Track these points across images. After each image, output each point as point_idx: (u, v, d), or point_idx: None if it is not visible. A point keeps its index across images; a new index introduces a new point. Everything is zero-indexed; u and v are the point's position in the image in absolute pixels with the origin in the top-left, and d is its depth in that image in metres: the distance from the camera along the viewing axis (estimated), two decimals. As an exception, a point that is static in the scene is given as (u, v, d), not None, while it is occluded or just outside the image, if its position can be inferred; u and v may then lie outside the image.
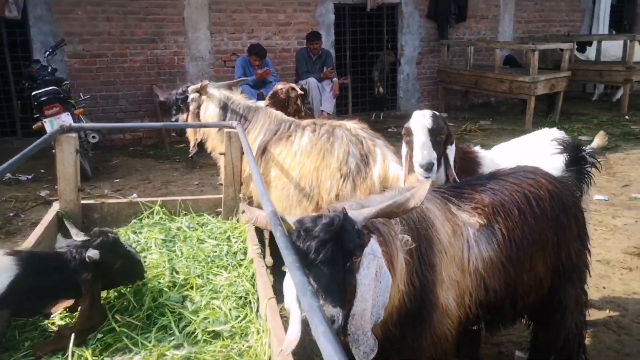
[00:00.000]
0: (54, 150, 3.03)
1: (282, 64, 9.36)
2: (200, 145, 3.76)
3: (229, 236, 2.98)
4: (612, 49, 10.60)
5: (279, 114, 3.47)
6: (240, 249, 2.85)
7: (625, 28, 12.76)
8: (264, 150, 3.27)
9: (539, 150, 2.83)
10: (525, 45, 8.80)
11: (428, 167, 2.43)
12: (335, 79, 8.33)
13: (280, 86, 4.90)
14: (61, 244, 2.93)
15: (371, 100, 10.42)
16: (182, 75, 8.88)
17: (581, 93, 11.91)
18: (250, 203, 3.37)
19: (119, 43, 8.39)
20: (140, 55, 8.57)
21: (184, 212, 3.31)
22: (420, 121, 2.48)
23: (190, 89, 3.74)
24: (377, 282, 1.54)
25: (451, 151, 2.60)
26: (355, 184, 2.77)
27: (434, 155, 2.47)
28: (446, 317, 1.86)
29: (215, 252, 2.79)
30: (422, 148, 2.45)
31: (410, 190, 1.58)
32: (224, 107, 3.63)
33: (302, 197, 2.98)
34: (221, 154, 3.21)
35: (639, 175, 6.45)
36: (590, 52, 10.85)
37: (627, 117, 9.44)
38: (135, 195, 5.97)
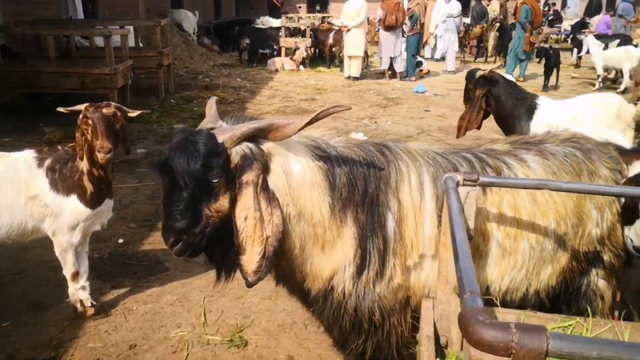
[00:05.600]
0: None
1: None
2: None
3: None
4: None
5: (424, 146, 2.04)
6: None
7: (91, 13, 12.49)
8: (452, 208, 1.95)
9: None
10: (95, 30, 7.35)
11: None
12: None
13: (106, 111, 2.57)
14: None
15: None
16: None
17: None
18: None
19: None
20: None
21: None
22: None
23: (225, 137, 1.59)
24: None
25: None
26: None
27: None
28: None
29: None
30: None
31: None
32: (326, 157, 1.81)
33: (558, 248, 2.07)
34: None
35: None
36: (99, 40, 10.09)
37: (172, 101, 9.64)
38: None
